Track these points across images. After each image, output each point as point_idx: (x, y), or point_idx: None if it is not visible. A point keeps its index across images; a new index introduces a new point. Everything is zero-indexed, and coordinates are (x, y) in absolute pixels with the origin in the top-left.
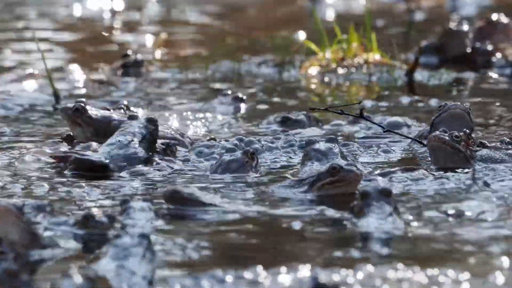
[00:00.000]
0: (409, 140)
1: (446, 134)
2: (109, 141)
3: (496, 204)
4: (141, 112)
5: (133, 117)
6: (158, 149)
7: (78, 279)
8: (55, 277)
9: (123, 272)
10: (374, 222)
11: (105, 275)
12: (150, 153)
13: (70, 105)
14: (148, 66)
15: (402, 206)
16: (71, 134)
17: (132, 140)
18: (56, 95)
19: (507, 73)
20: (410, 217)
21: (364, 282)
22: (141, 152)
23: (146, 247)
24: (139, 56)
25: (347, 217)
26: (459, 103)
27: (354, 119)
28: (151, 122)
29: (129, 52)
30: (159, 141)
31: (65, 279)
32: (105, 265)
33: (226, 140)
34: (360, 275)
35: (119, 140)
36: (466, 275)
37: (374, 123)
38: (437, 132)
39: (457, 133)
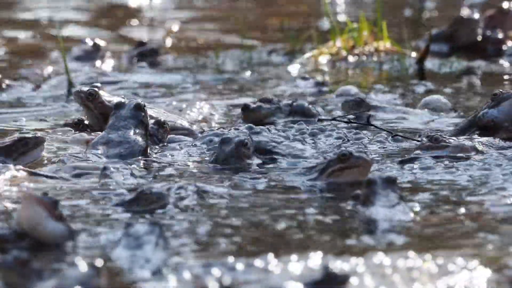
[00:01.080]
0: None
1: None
2: (102, 137)
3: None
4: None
5: (120, 105)
6: (151, 131)
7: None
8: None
9: (137, 261)
10: (381, 210)
11: (117, 263)
12: (145, 142)
13: (85, 89)
14: (164, 55)
15: (415, 193)
16: (80, 119)
17: (125, 134)
18: (69, 82)
19: None
20: (420, 205)
21: (374, 271)
22: (136, 145)
23: (158, 234)
24: (155, 45)
25: (354, 205)
26: None
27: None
28: (139, 108)
29: (145, 40)
30: (150, 122)
31: (71, 269)
32: (119, 254)
33: (236, 129)
34: (369, 264)
35: (111, 138)
36: (476, 263)
37: (382, 129)
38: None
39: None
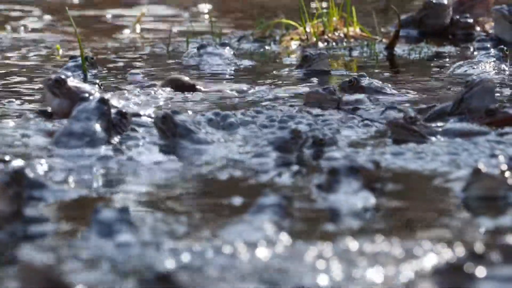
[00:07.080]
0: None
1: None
2: (65, 129)
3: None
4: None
5: (83, 99)
6: (114, 121)
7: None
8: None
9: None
10: (343, 198)
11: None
12: (106, 134)
13: (52, 76)
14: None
15: (384, 179)
16: (43, 109)
17: (86, 126)
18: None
19: (487, 46)
20: (387, 191)
21: (337, 256)
22: (98, 136)
23: (128, 220)
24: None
25: (317, 192)
26: (488, 77)
27: None
28: (103, 102)
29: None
30: (113, 111)
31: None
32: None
33: (202, 114)
34: (332, 249)
35: (73, 129)
36: (439, 246)
37: (352, 114)
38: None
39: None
